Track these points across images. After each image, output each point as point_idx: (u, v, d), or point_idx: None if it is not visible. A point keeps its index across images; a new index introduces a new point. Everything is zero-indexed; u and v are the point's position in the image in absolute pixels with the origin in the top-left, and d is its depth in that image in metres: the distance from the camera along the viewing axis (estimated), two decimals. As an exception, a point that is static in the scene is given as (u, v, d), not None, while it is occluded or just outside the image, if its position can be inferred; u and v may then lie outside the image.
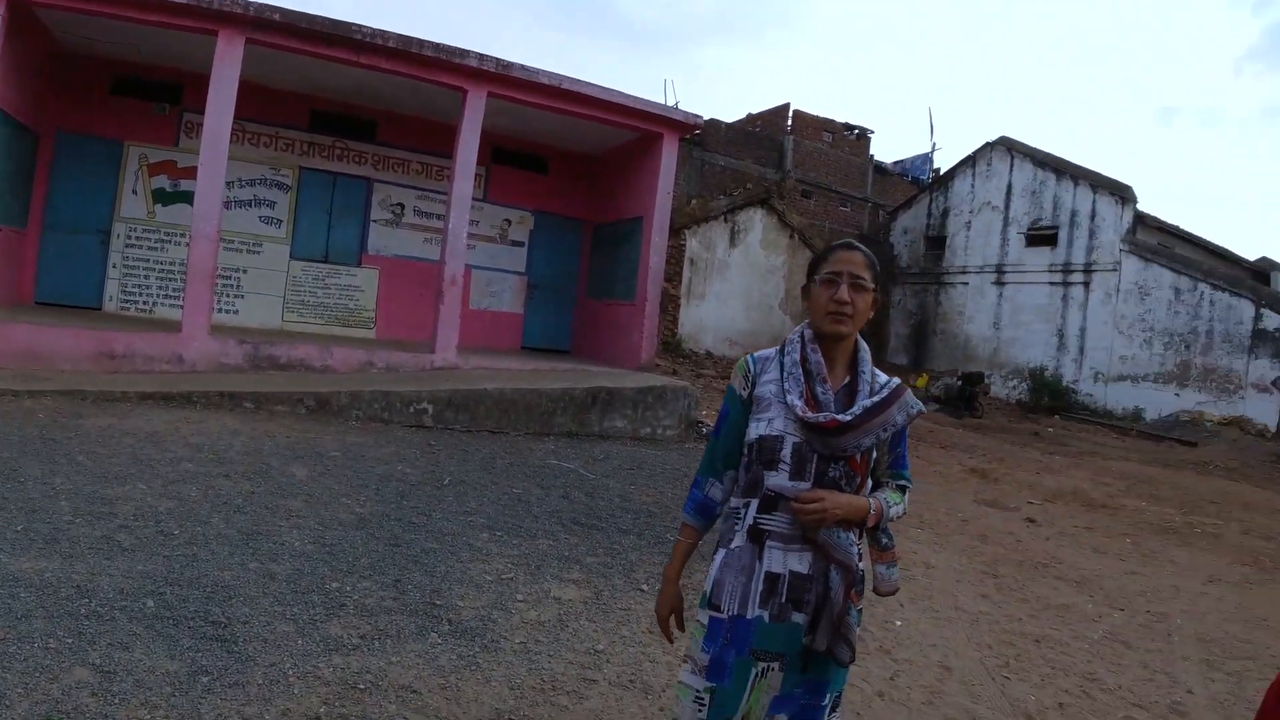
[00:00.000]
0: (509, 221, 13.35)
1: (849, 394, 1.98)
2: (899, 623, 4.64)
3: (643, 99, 11.42)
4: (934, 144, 34.22)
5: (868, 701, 3.63)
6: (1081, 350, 18.66)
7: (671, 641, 2.05)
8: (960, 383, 17.07)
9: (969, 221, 21.34)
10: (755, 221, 18.51)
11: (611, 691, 3.32)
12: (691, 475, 2.22)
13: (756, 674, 1.93)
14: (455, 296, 10.27)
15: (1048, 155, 20.01)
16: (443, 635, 3.59)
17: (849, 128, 24.26)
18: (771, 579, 1.91)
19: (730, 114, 50.51)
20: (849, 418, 1.90)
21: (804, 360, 1.98)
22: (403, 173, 12.50)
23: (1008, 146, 20.71)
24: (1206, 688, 4.20)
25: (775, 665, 1.93)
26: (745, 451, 1.99)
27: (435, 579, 4.25)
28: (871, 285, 1.98)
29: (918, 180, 26.73)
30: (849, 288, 1.95)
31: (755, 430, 1.95)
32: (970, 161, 21.54)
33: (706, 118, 18.09)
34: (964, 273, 21.39)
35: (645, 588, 4.59)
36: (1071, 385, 18.58)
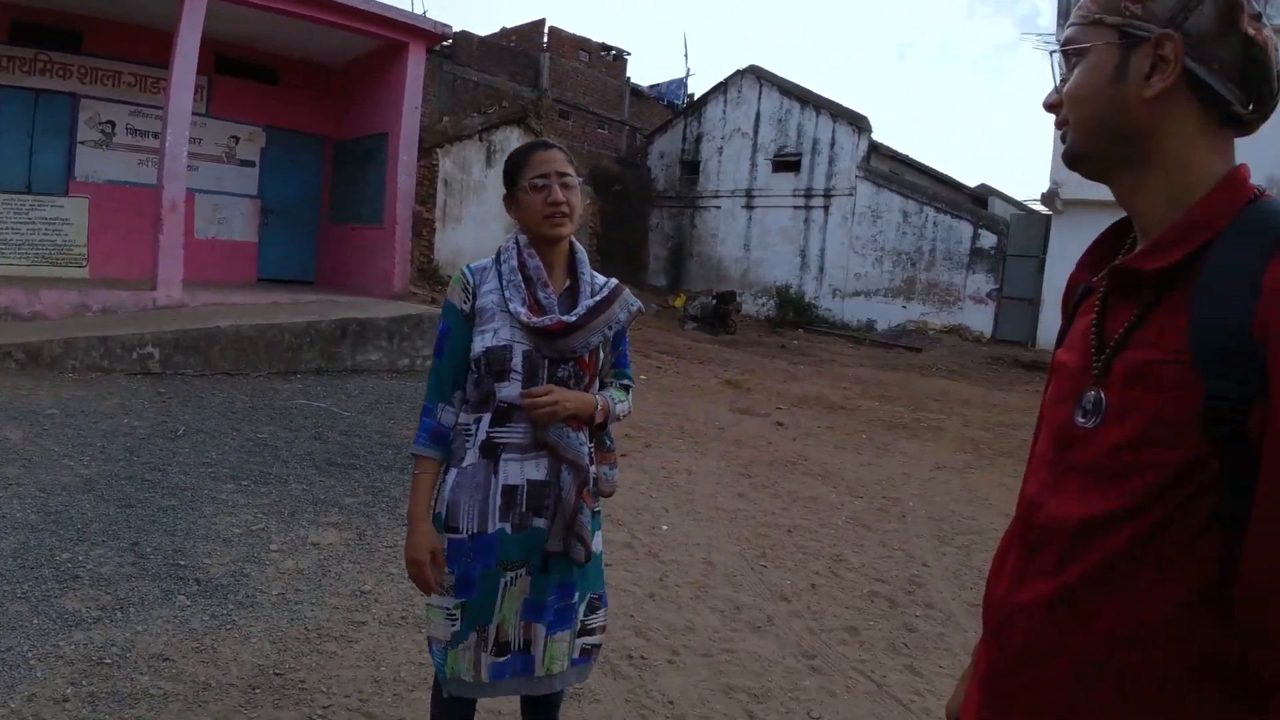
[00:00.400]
0: (236, 139, 11.83)
1: (571, 296, 1.97)
2: (665, 527, 4.70)
3: (386, 4, 10.49)
4: (688, 69, 35.00)
5: (640, 604, 3.62)
6: (822, 269, 20.11)
7: (433, 590, 1.86)
8: (715, 302, 17.78)
9: (721, 147, 22.05)
10: (512, 141, 17.85)
11: (382, 631, 3.16)
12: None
13: (505, 582, 1.90)
14: (177, 225, 9.03)
15: (793, 85, 21.01)
16: (191, 596, 3.25)
17: (606, 48, 24.04)
18: (509, 491, 1.87)
19: (483, 27, 48.45)
20: (574, 318, 1.89)
21: (522, 266, 1.93)
22: (113, 86, 10.63)
23: (757, 75, 21.48)
24: (939, 560, 4.62)
25: (523, 570, 1.91)
26: (473, 366, 1.91)
27: (177, 538, 3.80)
28: (578, 180, 1.94)
29: (673, 105, 27.16)
30: (560, 187, 1.89)
31: (481, 343, 1.89)
32: (722, 88, 22.13)
33: (457, 29, 17.08)
34: (717, 197, 22.16)
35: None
36: (813, 301, 20.01)
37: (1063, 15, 16.08)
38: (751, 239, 21.44)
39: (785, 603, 3.82)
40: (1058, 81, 1.01)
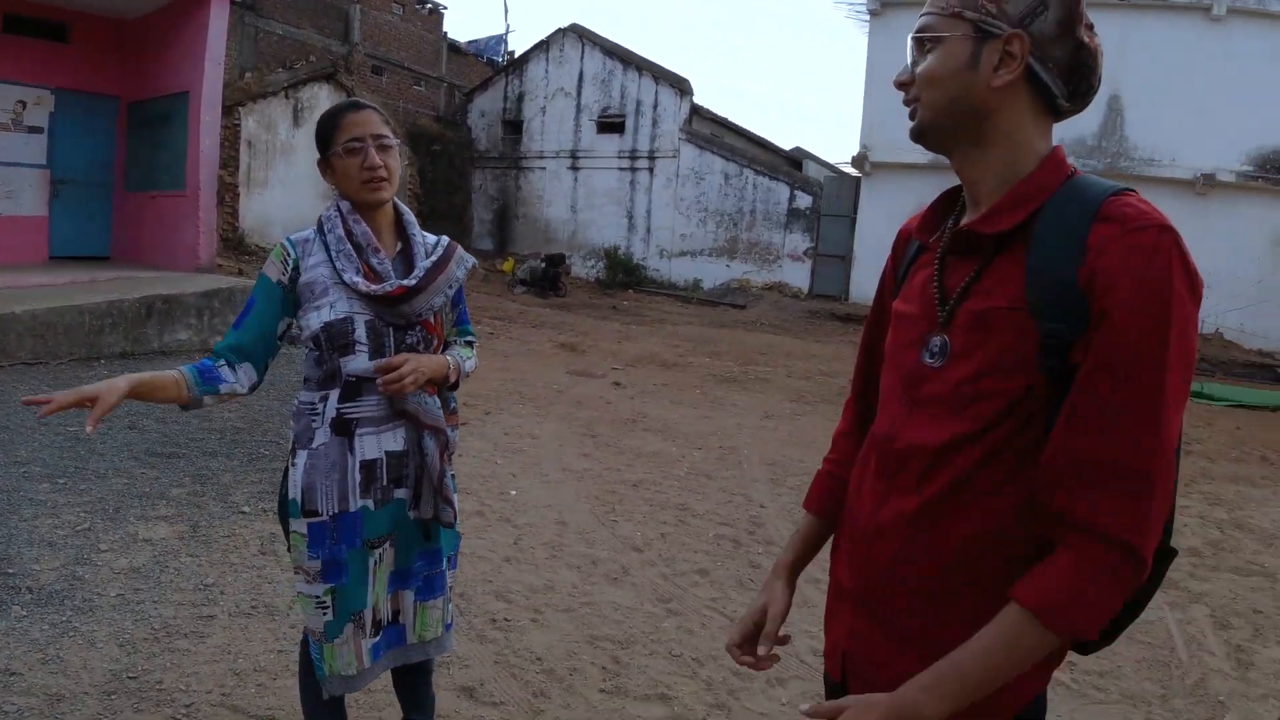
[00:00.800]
0: (23, 104, 10.36)
1: (406, 259, 1.92)
2: (514, 492, 4.72)
3: None
4: (509, 25, 34.11)
5: (498, 569, 3.63)
6: (649, 230, 20.46)
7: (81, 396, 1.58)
8: (544, 265, 17.69)
9: (544, 107, 21.78)
10: (322, 99, 16.79)
11: (234, 622, 3.01)
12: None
13: (374, 561, 1.86)
14: (-45, 201, 7.86)
15: (616, 45, 21.01)
16: (26, 606, 2.97)
17: (421, 1, 23.03)
18: (368, 466, 1.82)
19: (286, -24, 45.10)
20: (414, 281, 1.84)
21: (349, 234, 1.85)
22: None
23: (579, 34, 21.31)
24: (775, 501, 4.92)
25: (388, 544, 1.89)
26: (312, 345, 1.83)
27: None
28: (395, 142, 1.87)
29: (493, 62, 26.47)
30: (377, 149, 1.82)
31: (318, 318, 1.80)
32: (544, 46, 21.80)
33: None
34: (541, 158, 21.92)
35: (247, 509, 4.11)
36: (641, 262, 20.35)
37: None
38: (578, 200, 21.42)
39: (638, 553, 3.96)
40: (910, 63, 1.14)
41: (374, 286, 1.79)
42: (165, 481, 4.40)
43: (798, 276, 18.60)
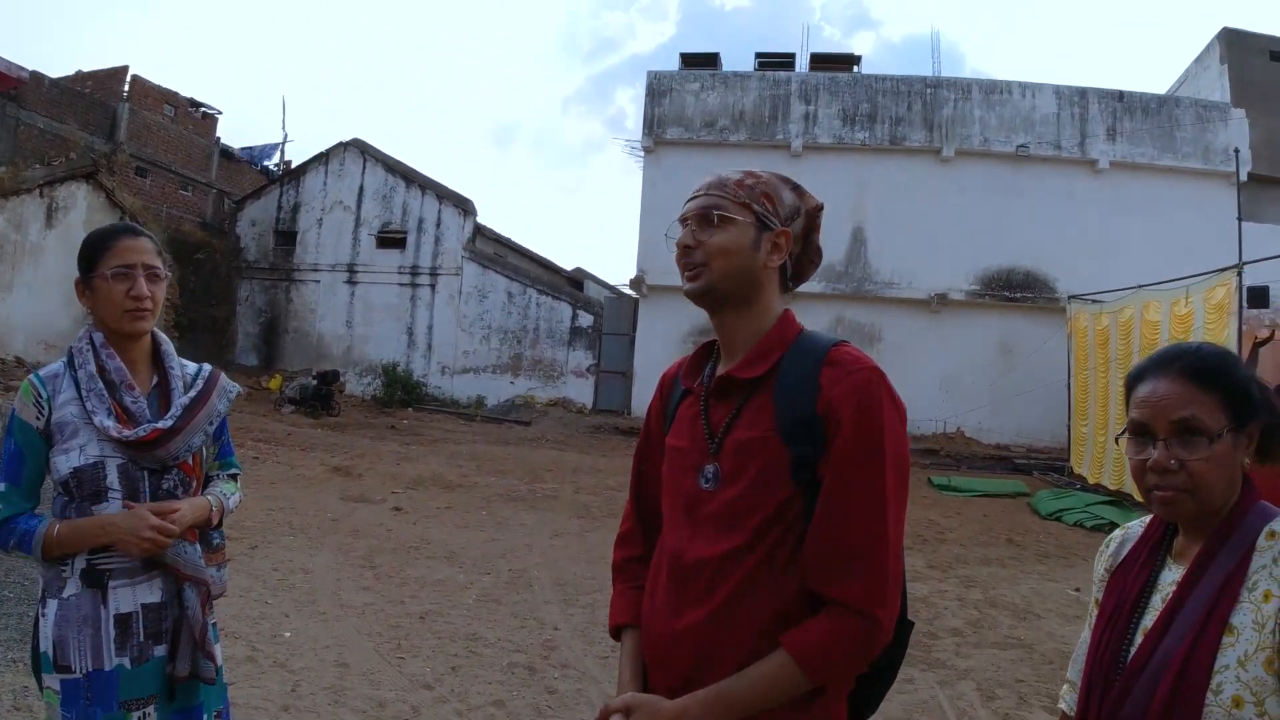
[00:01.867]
0: None
1: (163, 395, 1.81)
2: (288, 633, 4.31)
3: None
4: (285, 134, 33.27)
5: (274, 718, 3.25)
6: (430, 346, 20.11)
7: (174, 533, 1.67)
8: (316, 382, 16.79)
9: (321, 219, 21.19)
10: (79, 199, 15.45)
11: None
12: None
13: None
14: None
15: (398, 163, 21.05)
16: None
17: (194, 104, 21.99)
18: (123, 620, 1.67)
19: (57, 68, 41.54)
20: (170, 422, 1.74)
21: (101, 370, 1.74)
22: None
23: (361, 149, 21.17)
24: (569, 622, 4.84)
25: (150, 708, 1.71)
26: (60, 489, 1.70)
27: None
28: (165, 273, 1.81)
29: (267, 171, 25.56)
30: (146, 279, 1.74)
31: (67, 463, 1.67)
32: (324, 159, 21.41)
33: (29, 69, 14.53)
34: (316, 270, 21.14)
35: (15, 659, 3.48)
36: (422, 379, 19.85)
37: (648, 125, 18.40)
38: (355, 315, 20.75)
39: (429, 690, 3.72)
40: (692, 230, 1.39)
41: (126, 432, 1.68)
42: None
43: (581, 392, 18.96)
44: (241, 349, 21.36)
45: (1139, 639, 1.18)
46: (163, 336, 1.89)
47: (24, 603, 4.26)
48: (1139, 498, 1.33)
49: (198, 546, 1.78)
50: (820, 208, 1.45)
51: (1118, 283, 12.33)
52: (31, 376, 1.75)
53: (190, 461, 1.80)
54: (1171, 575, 1.21)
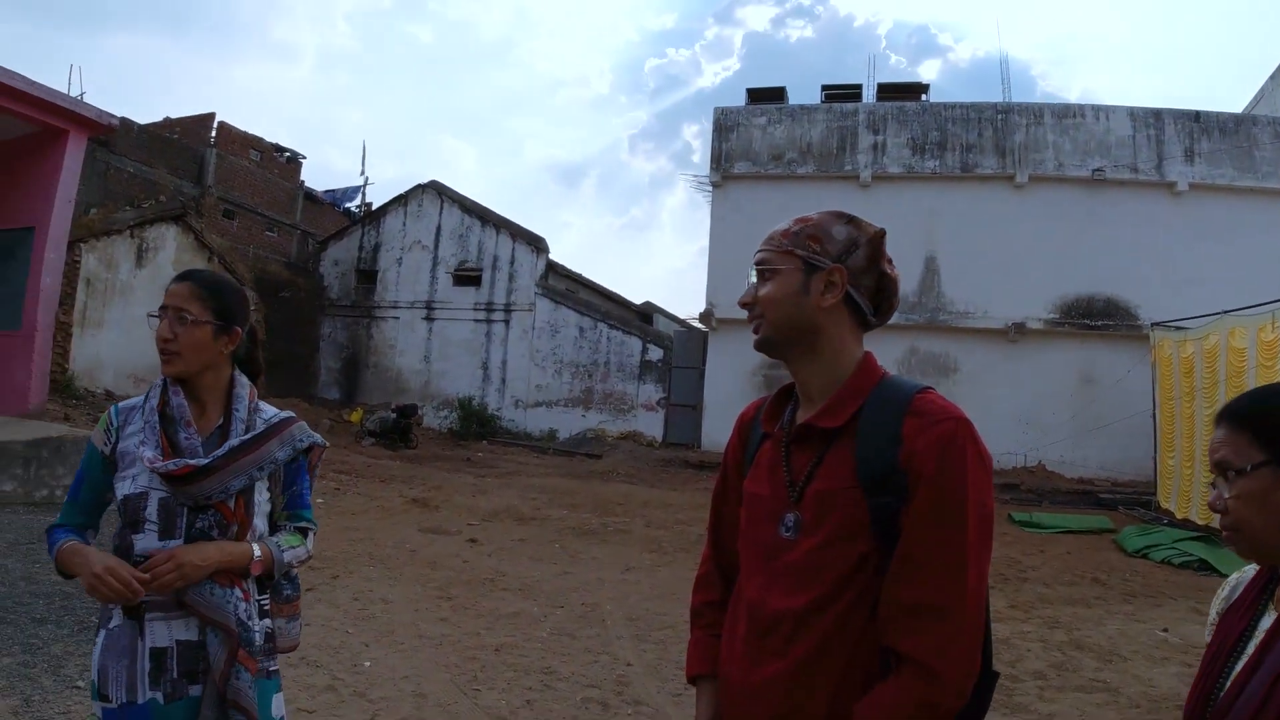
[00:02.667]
0: None
1: (223, 435, 1.83)
2: (368, 663, 4.43)
3: (45, 86, 9.19)
4: (366, 178, 34.54)
5: (350, 748, 3.35)
6: (504, 380, 20.51)
7: (132, 588, 1.63)
8: (395, 415, 17.26)
9: (400, 258, 21.94)
10: (168, 240, 16.28)
11: None
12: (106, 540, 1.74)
13: None
14: None
15: (473, 203, 21.70)
16: None
17: (279, 149, 23.08)
18: (158, 654, 1.68)
19: (146, 114, 44.07)
20: (205, 461, 1.74)
21: (164, 406, 1.81)
22: None
23: (438, 191, 21.89)
24: (641, 658, 4.85)
25: None
26: (118, 515, 1.76)
27: None
28: (202, 318, 1.80)
29: (348, 212, 26.61)
30: (173, 321, 1.79)
31: (120, 491, 1.74)
32: (402, 200, 22.20)
33: (119, 116, 15.46)
34: (395, 307, 21.85)
35: (81, 683, 3.67)
36: (496, 413, 20.24)
37: (715, 160, 18.58)
38: (432, 351, 21.32)
39: (503, 724, 3.78)
40: (752, 287, 1.41)
41: (159, 462, 1.71)
42: (-11, 652, 3.90)
43: (651, 426, 19.02)
44: (324, 384, 22.15)
45: (1228, 685, 1.18)
46: (241, 378, 1.92)
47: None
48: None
49: (233, 591, 1.74)
50: (882, 234, 1.39)
51: (1201, 309, 11.83)
52: (112, 407, 1.85)
53: (231, 505, 1.78)
54: (1267, 621, 1.21)
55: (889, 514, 1.22)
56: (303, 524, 1.95)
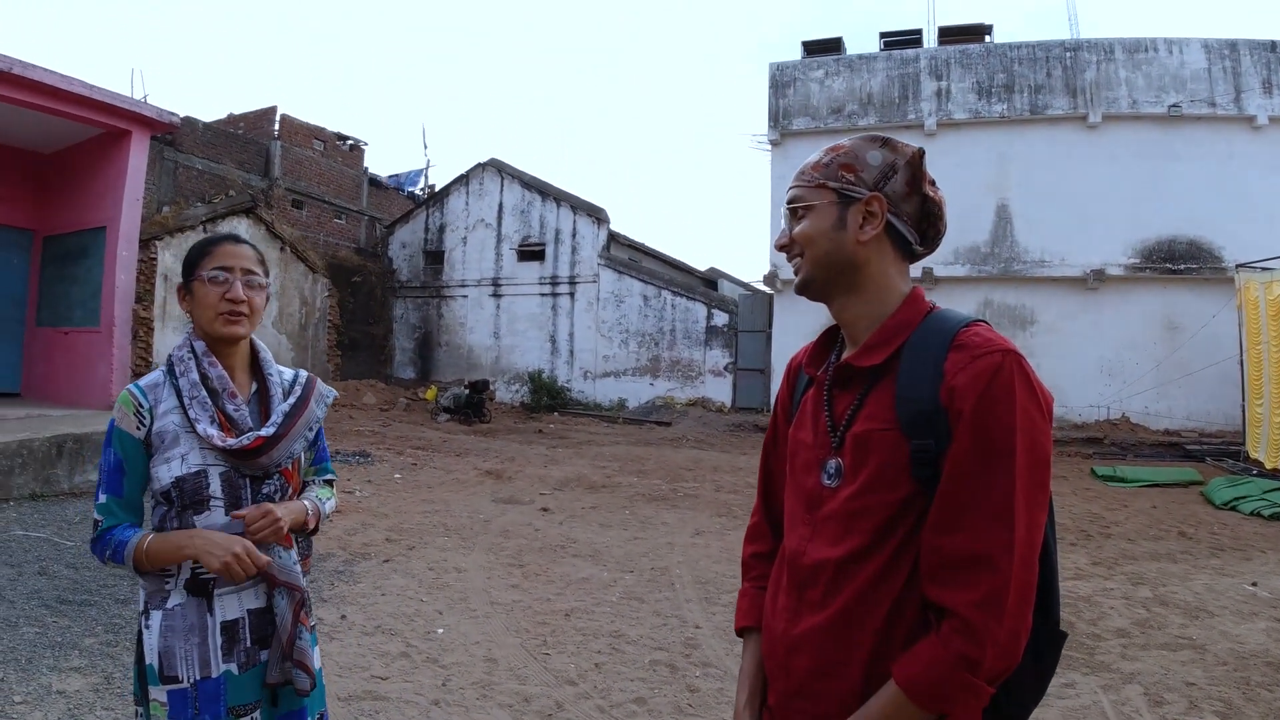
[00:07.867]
0: None
1: (262, 402, 1.82)
2: (440, 630, 4.55)
3: (106, 89, 9.54)
4: (428, 160, 34.98)
5: (425, 713, 3.48)
6: (572, 352, 20.70)
7: (263, 563, 1.67)
8: (468, 391, 17.61)
9: (465, 237, 22.25)
10: (241, 232, 16.76)
11: None
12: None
13: None
14: None
15: (533, 178, 21.79)
16: None
17: (342, 138, 23.53)
18: (230, 628, 1.68)
19: (210, 112, 45.58)
20: (273, 429, 1.73)
21: (204, 379, 1.74)
22: None
23: (498, 168, 22.06)
24: (710, 621, 4.87)
25: (256, 714, 1.71)
26: (160, 499, 1.69)
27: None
28: (265, 281, 1.81)
29: (412, 195, 27.06)
30: (244, 284, 1.75)
31: (169, 472, 1.66)
32: (464, 180, 22.46)
33: (182, 113, 15.98)
34: (463, 286, 22.22)
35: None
36: (566, 385, 20.46)
37: (773, 118, 18.24)
38: (501, 326, 21.63)
39: (572, 686, 3.85)
40: (786, 227, 1.33)
41: (230, 441, 1.67)
42: (77, 631, 4.14)
43: (720, 391, 18.96)
44: (399, 363, 22.72)
45: None
46: (261, 345, 1.89)
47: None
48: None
49: (293, 552, 1.77)
50: (921, 153, 1.27)
51: (1287, 247, 11.20)
52: (130, 386, 1.72)
53: (290, 467, 1.80)
54: None
55: (931, 457, 1.13)
56: (328, 476, 2.00)
